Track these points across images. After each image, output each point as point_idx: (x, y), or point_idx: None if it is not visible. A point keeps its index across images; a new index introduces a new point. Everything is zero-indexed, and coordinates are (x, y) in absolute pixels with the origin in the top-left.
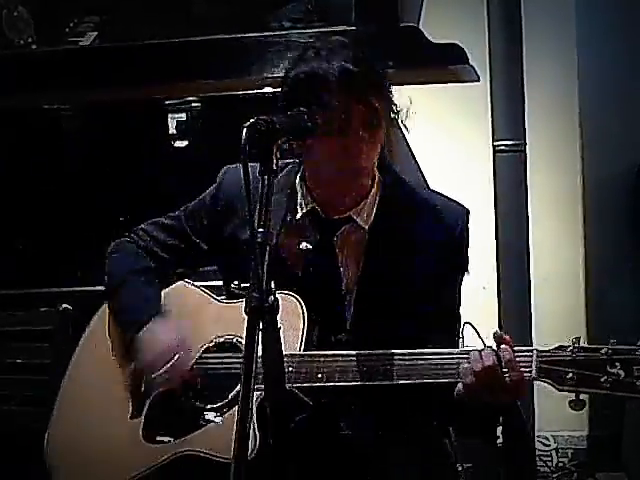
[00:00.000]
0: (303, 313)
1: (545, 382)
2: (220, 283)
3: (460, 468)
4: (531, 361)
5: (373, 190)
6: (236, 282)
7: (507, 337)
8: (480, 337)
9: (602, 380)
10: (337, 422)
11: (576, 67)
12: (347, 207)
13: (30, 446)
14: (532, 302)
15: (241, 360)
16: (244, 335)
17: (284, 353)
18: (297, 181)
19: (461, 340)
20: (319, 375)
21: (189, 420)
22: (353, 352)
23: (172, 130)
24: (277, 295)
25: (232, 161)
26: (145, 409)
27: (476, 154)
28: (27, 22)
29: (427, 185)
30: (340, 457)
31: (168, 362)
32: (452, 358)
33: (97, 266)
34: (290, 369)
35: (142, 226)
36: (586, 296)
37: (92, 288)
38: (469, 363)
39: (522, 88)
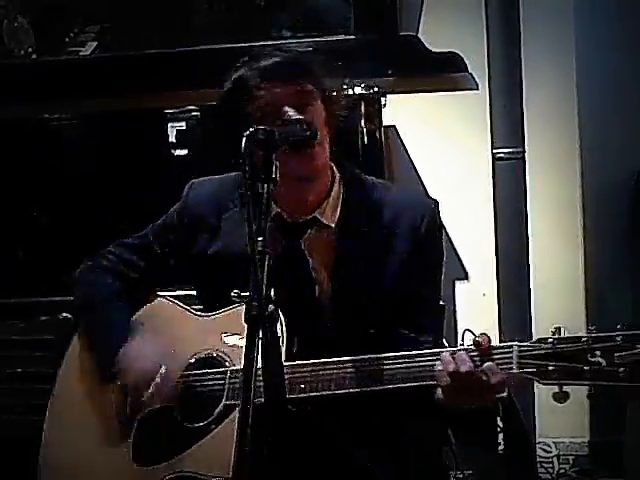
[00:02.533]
0: (281, 322)
1: (527, 377)
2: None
3: (461, 475)
4: (512, 357)
5: (335, 188)
6: (236, 291)
7: (485, 339)
8: None
9: (585, 370)
10: (320, 430)
11: (575, 74)
12: (310, 208)
13: (30, 455)
14: (532, 308)
15: (224, 375)
16: (231, 347)
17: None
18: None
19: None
20: (302, 385)
21: (177, 440)
22: (327, 360)
23: (172, 139)
24: None
25: (231, 170)
26: (133, 430)
27: (475, 162)
28: (27, 32)
29: (427, 193)
30: (325, 464)
31: (152, 381)
32: (427, 360)
33: None
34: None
35: (109, 248)
36: (586, 302)
37: None
38: (442, 365)
39: (521, 96)
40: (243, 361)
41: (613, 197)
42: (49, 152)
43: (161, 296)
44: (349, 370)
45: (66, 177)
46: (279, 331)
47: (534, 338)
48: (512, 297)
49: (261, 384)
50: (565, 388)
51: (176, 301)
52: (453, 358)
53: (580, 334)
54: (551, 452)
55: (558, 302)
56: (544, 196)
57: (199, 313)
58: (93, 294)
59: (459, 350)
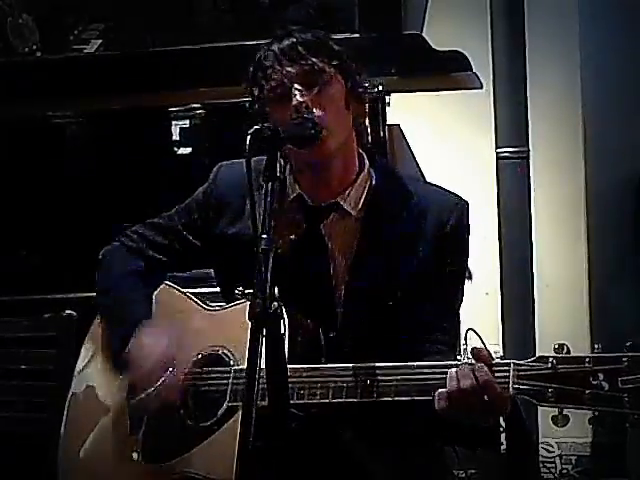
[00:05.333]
0: (284, 321)
1: (524, 397)
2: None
3: (464, 474)
4: (508, 376)
5: (361, 176)
6: (240, 288)
7: (485, 352)
8: (483, 343)
9: (586, 394)
10: (327, 432)
11: (579, 74)
12: (333, 192)
13: (33, 451)
14: (535, 308)
15: (230, 374)
16: (243, 344)
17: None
18: (287, 168)
19: (464, 346)
20: (302, 392)
21: (181, 439)
22: (334, 365)
23: (176, 137)
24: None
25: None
26: (143, 426)
27: (479, 161)
28: (32, 30)
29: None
30: (332, 467)
31: (159, 379)
32: (434, 373)
33: None
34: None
35: (133, 228)
36: (589, 301)
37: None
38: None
39: (525, 95)
40: (246, 360)
41: (617, 197)
42: (52, 149)
43: (168, 284)
44: (348, 379)
45: (70, 174)
46: (282, 327)
47: (537, 338)
48: (515, 296)
49: (264, 385)
50: (565, 411)
51: (184, 291)
52: (457, 377)
53: (583, 354)
54: (553, 452)
55: (561, 301)
56: (548, 195)
57: (206, 306)
58: (113, 275)
59: (462, 367)
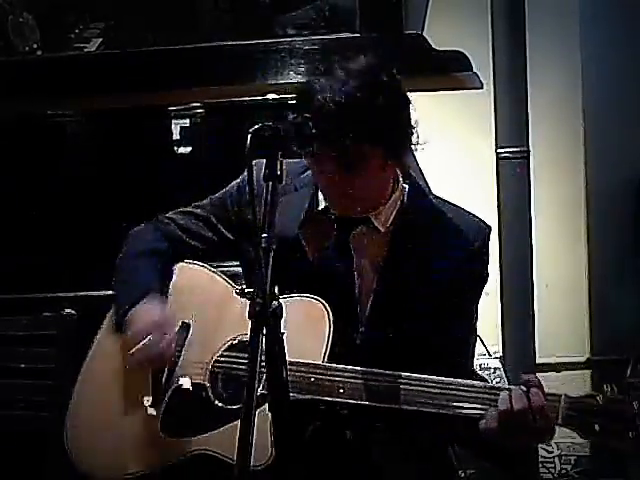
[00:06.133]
0: (329, 320)
1: (570, 429)
2: None
3: (463, 474)
4: (557, 407)
5: (394, 195)
6: (241, 286)
7: (536, 379)
8: (484, 344)
9: (629, 436)
10: (345, 431)
11: (580, 74)
12: (364, 210)
13: (32, 450)
14: (535, 308)
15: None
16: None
17: (306, 361)
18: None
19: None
20: (340, 390)
21: (208, 418)
22: (378, 371)
23: (176, 136)
24: (303, 298)
25: (236, 167)
26: (165, 400)
27: (480, 161)
28: (32, 28)
29: (430, 191)
30: (347, 466)
31: (139, 342)
32: (478, 392)
33: (101, 271)
34: (312, 379)
35: (167, 214)
36: (589, 302)
37: (96, 293)
38: (497, 407)
39: (526, 95)
40: (247, 357)
41: (617, 197)
42: (53, 148)
43: (212, 271)
44: (396, 386)
45: (70, 173)
46: (325, 329)
47: (536, 339)
48: (515, 296)
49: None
50: None
51: (225, 278)
52: (510, 399)
53: (631, 399)
54: (553, 452)
55: (561, 302)
56: (548, 195)
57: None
58: (133, 251)
59: (515, 391)
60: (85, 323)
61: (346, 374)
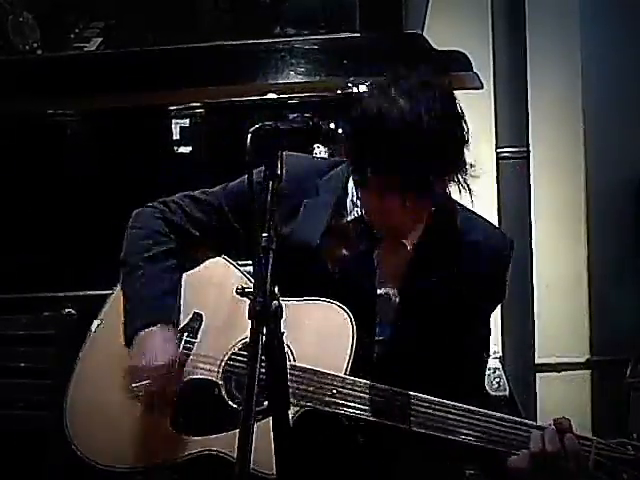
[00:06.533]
0: (353, 329)
1: (597, 474)
2: None
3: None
4: (590, 451)
5: (425, 216)
6: (241, 286)
7: (568, 421)
8: None
9: None
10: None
11: (580, 74)
12: (402, 236)
13: (32, 450)
14: (535, 308)
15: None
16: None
17: (328, 371)
18: (350, 184)
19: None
20: (364, 408)
21: (220, 419)
22: (404, 391)
23: (176, 136)
24: (329, 303)
25: (236, 167)
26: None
27: (479, 161)
28: (32, 27)
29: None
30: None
31: (138, 378)
32: (510, 427)
33: (100, 270)
34: (333, 391)
35: (173, 198)
36: (589, 302)
37: (95, 292)
38: (529, 446)
39: (526, 95)
40: (247, 359)
41: (617, 197)
42: (53, 148)
43: (229, 261)
44: (423, 410)
45: (69, 173)
46: (349, 339)
47: (536, 339)
48: (515, 296)
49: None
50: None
51: (245, 273)
52: (542, 440)
53: None
54: None
55: (561, 302)
56: (548, 195)
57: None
58: (144, 247)
59: (548, 431)
60: (85, 322)
61: (368, 390)
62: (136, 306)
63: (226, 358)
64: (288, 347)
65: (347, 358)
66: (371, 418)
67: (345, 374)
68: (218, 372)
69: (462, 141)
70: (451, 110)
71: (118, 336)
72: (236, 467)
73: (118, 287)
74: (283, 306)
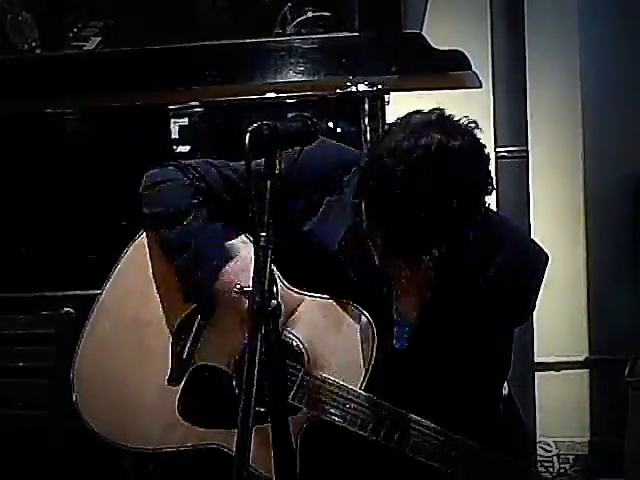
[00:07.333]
0: (374, 340)
1: None
2: None
3: None
4: None
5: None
6: (240, 285)
7: None
8: None
9: None
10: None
11: (579, 73)
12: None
13: (31, 449)
14: None
15: (297, 372)
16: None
17: (344, 384)
18: None
19: None
20: (383, 430)
21: (229, 413)
22: (422, 420)
23: (174, 135)
24: (358, 309)
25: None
26: (185, 378)
27: None
28: (31, 26)
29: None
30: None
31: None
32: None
33: (100, 269)
34: (347, 406)
35: (192, 163)
36: (587, 302)
37: (95, 291)
38: None
39: (525, 94)
40: (246, 357)
41: (616, 197)
42: (51, 147)
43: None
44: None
45: (68, 172)
46: (369, 351)
47: (535, 338)
48: None
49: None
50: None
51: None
52: None
53: None
54: (551, 451)
55: (560, 301)
56: (547, 195)
57: (285, 284)
58: (185, 197)
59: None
60: (84, 322)
61: (389, 413)
62: (208, 245)
63: (239, 350)
64: (303, 347)
65: (364, 372)
66: (386, 443)
67: (362, 383)
68: (230, 363)
69: (483, 194)
70: (469, 174)
71: (128, 303)
72: (235, 465)
73: (124, 255)
74: (282, 305)
